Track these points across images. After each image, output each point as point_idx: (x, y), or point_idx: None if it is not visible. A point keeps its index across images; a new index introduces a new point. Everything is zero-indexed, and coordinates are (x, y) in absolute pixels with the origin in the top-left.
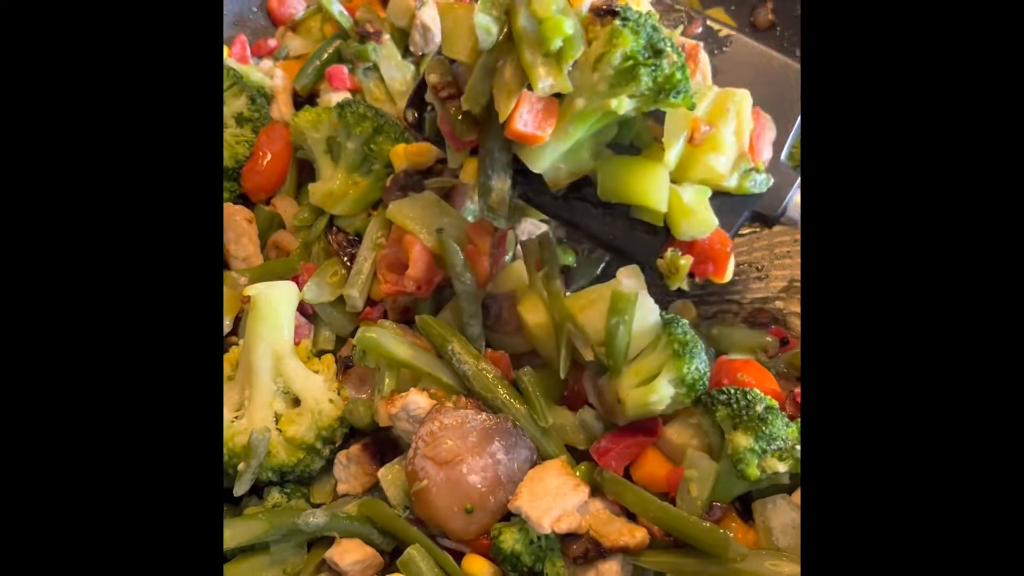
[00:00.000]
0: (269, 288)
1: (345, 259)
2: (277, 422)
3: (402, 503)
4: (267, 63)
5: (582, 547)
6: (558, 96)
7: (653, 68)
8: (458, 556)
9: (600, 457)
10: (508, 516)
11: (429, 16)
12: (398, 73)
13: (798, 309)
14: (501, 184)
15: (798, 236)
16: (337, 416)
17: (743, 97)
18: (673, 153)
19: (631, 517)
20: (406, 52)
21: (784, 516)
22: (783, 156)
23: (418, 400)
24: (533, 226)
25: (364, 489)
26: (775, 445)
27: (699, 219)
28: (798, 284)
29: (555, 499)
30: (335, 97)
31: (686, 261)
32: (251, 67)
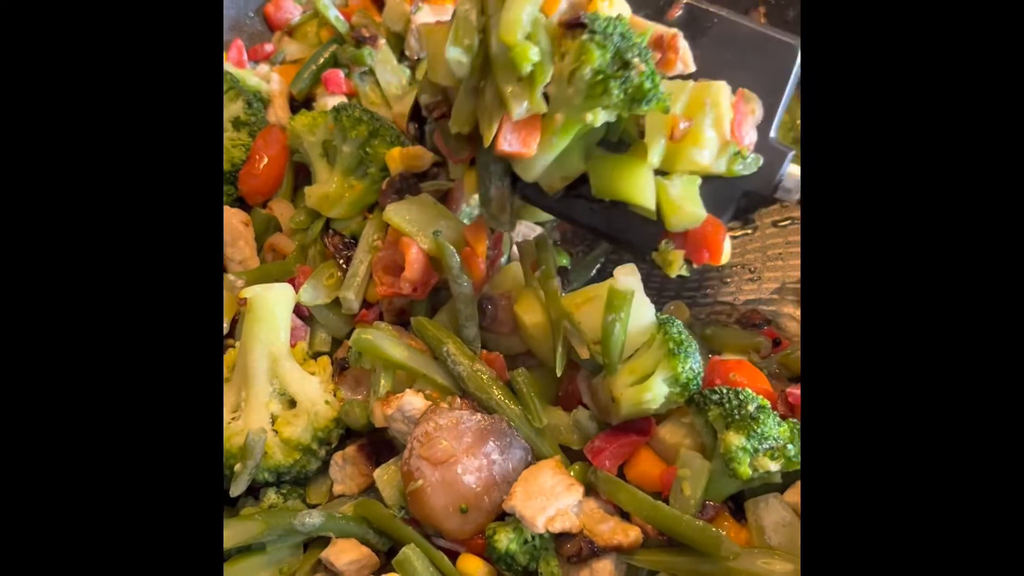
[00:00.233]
0: (265, 290)
1: (341, 261)
2: (273, 423)
3: (398, 503)
4: (264, 67)
5: (576, 546)
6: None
7: (623, 80)
8: (453, 556)
9: (594, 456)
10: (503, 516)
11: (424, 21)
12: (394, 77)
13: (790, 310)
14: (500, 193)
15: (791, 238)
16: (333, 417)
17: (719, 89)
18: (655, 153)
19: (625, 516)
20: (402, 56)
21: (776, 515)
22: (772, 132)
23: (413, 401)
24: (528, 228)
25: (360, 490)
26: (767, 444)
27: (687, 212)
28: (790, 286)
29: (549, 499)
30: (331, 101)
31: (677, 255)
32: (248, 71)
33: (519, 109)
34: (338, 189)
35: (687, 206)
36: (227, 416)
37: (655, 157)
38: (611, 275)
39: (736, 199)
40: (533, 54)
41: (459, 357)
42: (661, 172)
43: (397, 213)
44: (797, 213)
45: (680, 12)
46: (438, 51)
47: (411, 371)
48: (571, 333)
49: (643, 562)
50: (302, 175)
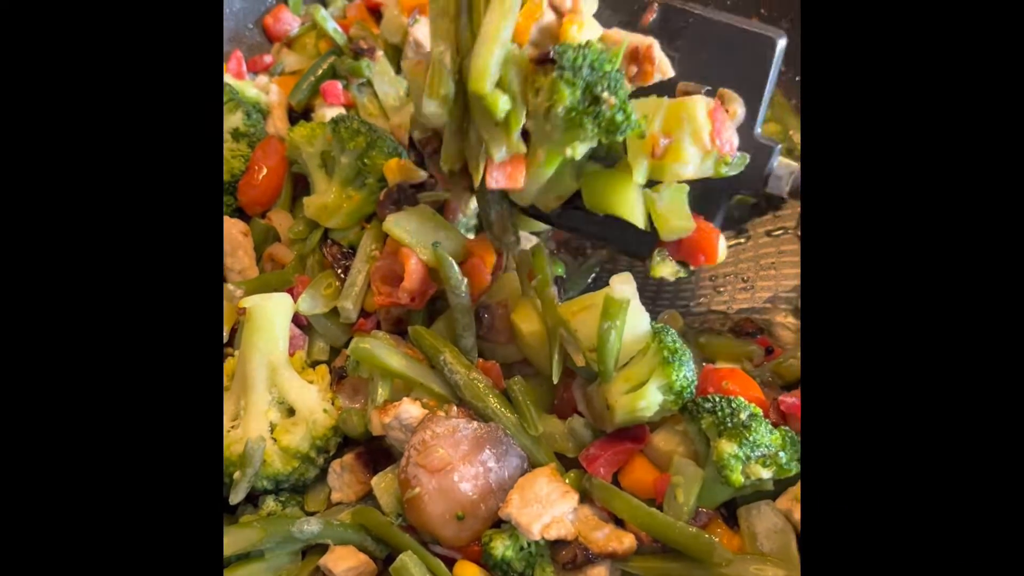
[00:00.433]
0: (264, 300)
1: (339, 271)
2: (272, 431)
3: (395, 511)
4: (263, 79)
5: (571, 553)
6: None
7: (595, 116)
8: (450, 563)
9: (589, 464)
10: (499, 523)
11: (422, 33)
12: (391, 89)
13: (783, 319)
14: (500, 216)
15: (784, 247)
16: (331, 426)
17: (693, 105)
18: (639, 172)
19: (619, 523)
20: (399, 68)
21: (768, 521)
22: (757, 128)
23: (410, 409)
24: (524, 238)
25: (357, 497)
26: (759, 452)
27: (676, 224)
28: (783, 295)
29: (545, 506)
30: (330, 112)
31: (668, 262)
32: (247, 83)
33: (499, 153)
34: (336, 199)
35: (675, 219)
36: (226, 424)
37: (639, 176)
38: (607, 284)
39: (726, 198)
40: (503, 103)
41: (456, 366)
42: (649, 186)
43: (397, 224)
44: (790, 223)
45: (654, 16)
46: (421, 91)
47: (408, 380)
48: (567, 341)
49: (637, 568)
50: (301, 186)
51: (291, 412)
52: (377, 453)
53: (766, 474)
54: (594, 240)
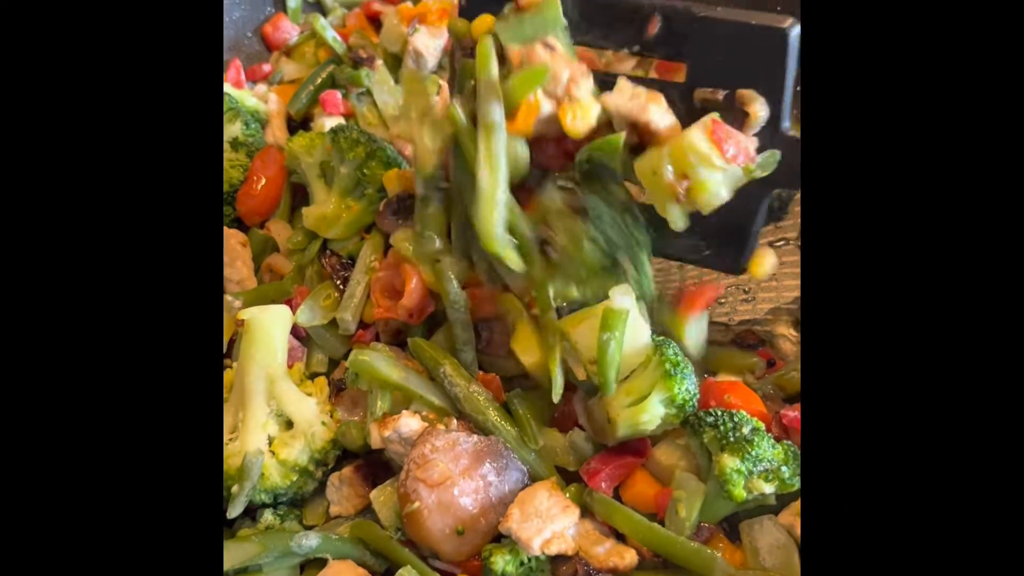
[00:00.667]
0: (263, 312)
1: (338, 282)
2: (270, 444)
3: (394, 525)
4: (261, 88)
5: (572, 568)
6: None
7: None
8: None
9: (590, 478)
10: (499, 537)
11: (421, 42)
12: (391, 98)
13: (785, 331)
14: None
15: (785, 259)
16: (330, 438)
17: (691, 137)
18: (679, 220)
19: (621, 538)
20: (399, 78)
21: (770, 536)
22: (784, 123)
23: (410, 422)
24: None
25: (356, 511)
26: (761, 466)
27: None
28: (785, 306)
29: (545, 521)
30: (329, 122)
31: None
32: (245, 92)
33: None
34: (335, 210)
35: None
36: (224, 437)
37: (680, 222)
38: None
39: (765, 199)
40: (514, 264)
41: (455, 378)
42: None
43: (407, 241)
44: (792, 234)
45: (658, 27)
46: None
47: (408, 392)
48: (568, 354)
49: None
50: (300, 196)
51: (289, 425)
52: (376, 466)
53: (768, 489)
54: (683, 260)
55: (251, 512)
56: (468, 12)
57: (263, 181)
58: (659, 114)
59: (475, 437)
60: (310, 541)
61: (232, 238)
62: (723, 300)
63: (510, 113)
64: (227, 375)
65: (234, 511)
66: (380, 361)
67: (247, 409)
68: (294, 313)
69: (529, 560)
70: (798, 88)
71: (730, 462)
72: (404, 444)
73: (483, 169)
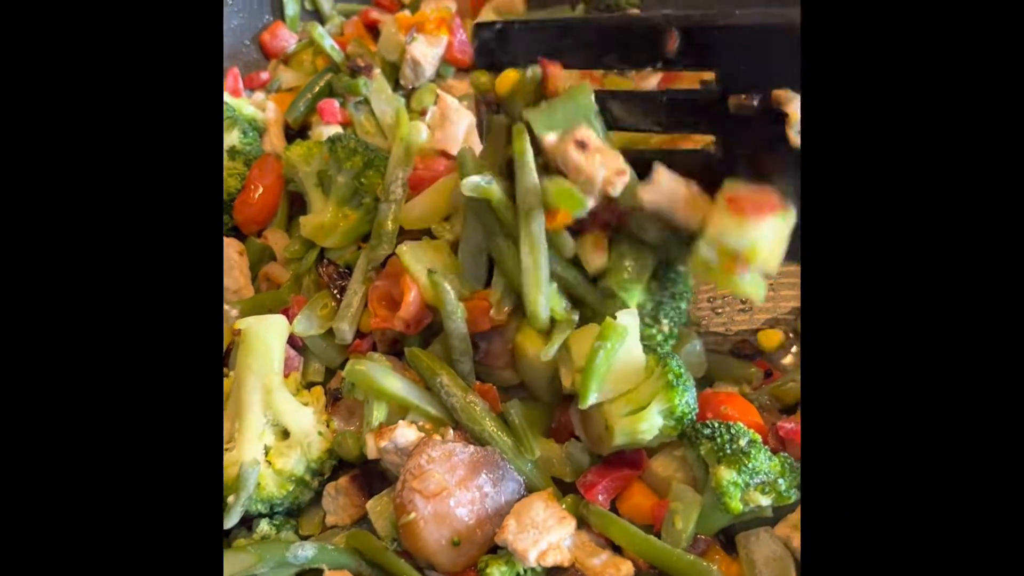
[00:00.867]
0: (259, 322)
1: (335, 291)
2: (266, 454)
3: (390, 535)
4: (259, 96)
5: None
6: None
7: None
8: None
9: (587, 491)
10: (495, 549)
11: (419, 51)
12: (389, 107)
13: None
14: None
15: (782, 269)
16: (326, 448)
17: (722, 223)
18: (758, 290)
19: (617, 550)
20: (396, 86)
21: (767, 548)
22: None
23: (406, 433)
24: None
25: (352, 521)
26: (758, 479)
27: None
28: (781, 317)
29: (541, 532)
30: (327, 131)
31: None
32: (243, 100)
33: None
34: (333, 219)
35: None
36: None
37: (760, 292)
38: None
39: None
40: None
41: (452, 388)
42: None
43: (412, 254)
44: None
45: (677, 41)
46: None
47: (404, 403)
48: (562, 359)
49: None
50: (297, 205)
51: (286, 434)
52: (372, 476)
53: (765, 501)
54: None
55: (247, 522)
56: (480, 59)
57: (260, 190)
58: (691, 208)
59: (471, 447)
60: (306, 551)
61: (229, 247)
62: (720, 311)
63: (549, 210)
64: (223, 384)
65: (230, 521)
66: (376, 371)
67: (243, 419)
68: (291, 322)
69: (525, 572)
70: None
71: (727, 474)
72: (400, 454)
73: (526, 253)
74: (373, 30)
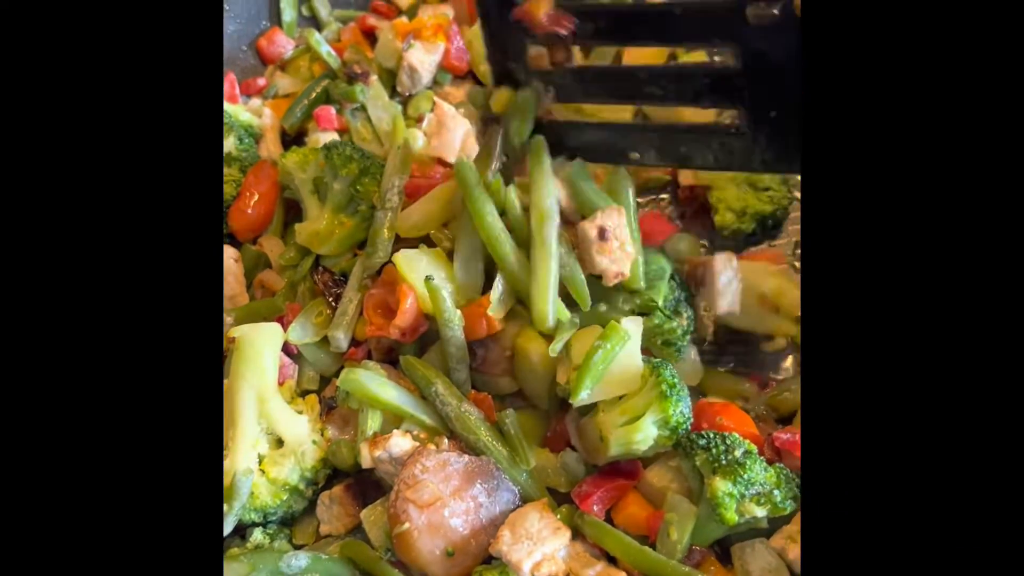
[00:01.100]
0: (253, 330)
1: (330, 299)
2: (260, 463)
3: (384, 545)
4: (256, 102)
5: None
6: None
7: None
8: None
9: (582, 502)
10: (489, 559)
11: (416, 58)
12: (385, 114)
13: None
14: None
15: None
16: (320, 457)
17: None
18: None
19: (611, 561)
20: (393, 93)
21: (762, 560)
22: None
23: (401, 442)
24: None
25: (346, 530)
26: (753, 490)
27: None
28: None
29: (536, 543)
30: (323, 137)
31: None
32: (239, 106)
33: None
34: (328, 226)
35: None
36: None
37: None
38: None
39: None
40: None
41: (447, 397)
42: None
43: (408, 262)
44: (785, 252)
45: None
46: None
47: (398, 412)
48: (561, 358)
49: None
50: (292, 212)
51: (280, 443)
52: (367, 485)
53: (760, 512)
54: None
55: (240, 531)
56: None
57: (256, 196)
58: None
59: (466, 457)
60: (299, 561)
61: (224, 253)
62: None
63: None
64: None
65: (224, 530)
66: (371, 380)
67: (237, 427)
68: (285, 330)
69: None
70: None
71: (722, 485)
72: (395, 464)
73: (539, 260)
74: (370, 36)
